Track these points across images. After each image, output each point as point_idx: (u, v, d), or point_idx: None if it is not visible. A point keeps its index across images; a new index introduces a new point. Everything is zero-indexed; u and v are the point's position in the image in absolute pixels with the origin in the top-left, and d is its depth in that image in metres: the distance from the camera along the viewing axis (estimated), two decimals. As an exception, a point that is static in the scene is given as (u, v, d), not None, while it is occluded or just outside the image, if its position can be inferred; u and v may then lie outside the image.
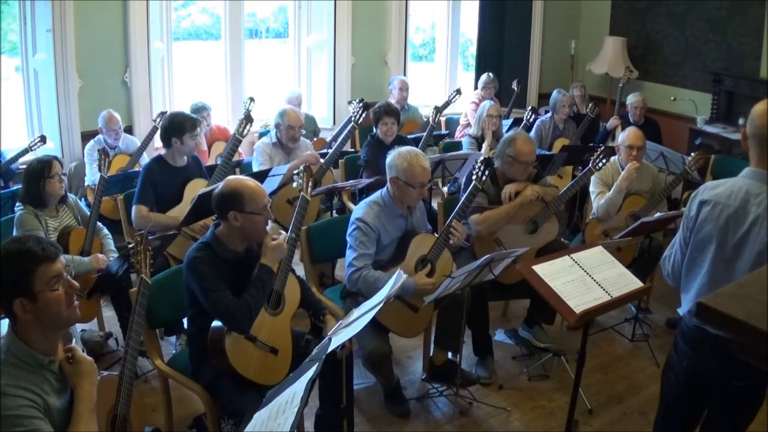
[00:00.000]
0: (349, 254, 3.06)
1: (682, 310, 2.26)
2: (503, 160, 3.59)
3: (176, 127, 3.64)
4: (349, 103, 5.14)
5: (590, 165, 3.69)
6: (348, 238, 3.09)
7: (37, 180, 3.29)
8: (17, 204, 3.38)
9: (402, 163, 3.07)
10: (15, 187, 3.90)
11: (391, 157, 3.13)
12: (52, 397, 1.76)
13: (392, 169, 3.10)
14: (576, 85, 6.60)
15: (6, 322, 1.78)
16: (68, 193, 3.56)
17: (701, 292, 2.16)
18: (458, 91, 5.79)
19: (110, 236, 3.63)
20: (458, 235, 3.14)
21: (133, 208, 3.58)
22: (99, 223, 3.57)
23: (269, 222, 2.68)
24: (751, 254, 2.03)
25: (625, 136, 4.07)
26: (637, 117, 5.64)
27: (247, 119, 3.91)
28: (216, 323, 2.51)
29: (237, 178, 2.68)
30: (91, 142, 4.68)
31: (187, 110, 4.42)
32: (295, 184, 3.01)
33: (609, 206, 3.91)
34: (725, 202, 2.09)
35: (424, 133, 4.90)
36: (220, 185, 2.63)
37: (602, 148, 3.87)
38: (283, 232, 2.70)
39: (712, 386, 2.19)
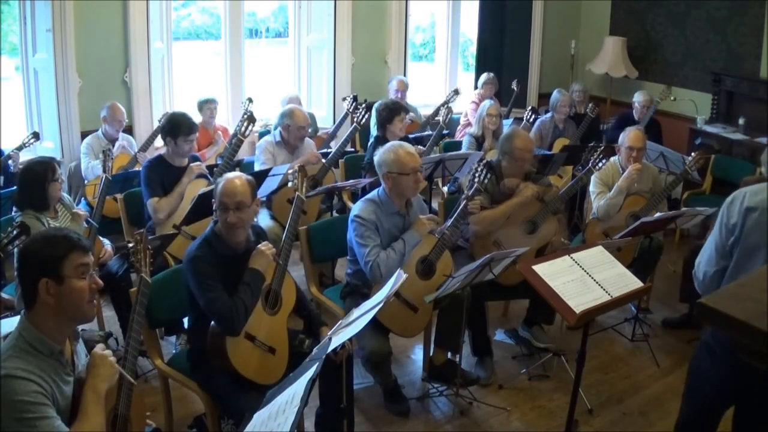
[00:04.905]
0: (360, 252, 3.04)
1: None
2: (502, 156, 3.61)
3: (172, 128, 3.66)
4: (344, 99, 5.08)
5: (590, 165, 3.70)
6: (354, 238, 3.09)
7: (41, 183, 3.27)
8: (14, 210, 3.35)
9: (388, 156, 3.09)
10: (15, 187, 3.88)
11: (376, 157, 3.16)
12: (59, 386, 1.79)
13: (381, 166, 3.12)
14: (577, 84, 6.58)
15: (6, 321, 1.79)
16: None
17: None
18: (456, 92, 5.78)
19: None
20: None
21: (148, 203, 3.60)
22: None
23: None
24: None
25: (625, 137, 4.06)
26: (641, 115, 5.64)
27: (250, 119, 3.91)
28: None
29: (232, 176, 2.67)
30: (91, 136, 4.68)
31: (190, 108, 4.41)
32: (290, 184, 3.02)
33: (610, 207, 3.91)
34: None
35: (425, 133, 4.89)
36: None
37: (602, 147, 3.87)
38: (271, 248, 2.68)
39: (752, 388, 2.16)
